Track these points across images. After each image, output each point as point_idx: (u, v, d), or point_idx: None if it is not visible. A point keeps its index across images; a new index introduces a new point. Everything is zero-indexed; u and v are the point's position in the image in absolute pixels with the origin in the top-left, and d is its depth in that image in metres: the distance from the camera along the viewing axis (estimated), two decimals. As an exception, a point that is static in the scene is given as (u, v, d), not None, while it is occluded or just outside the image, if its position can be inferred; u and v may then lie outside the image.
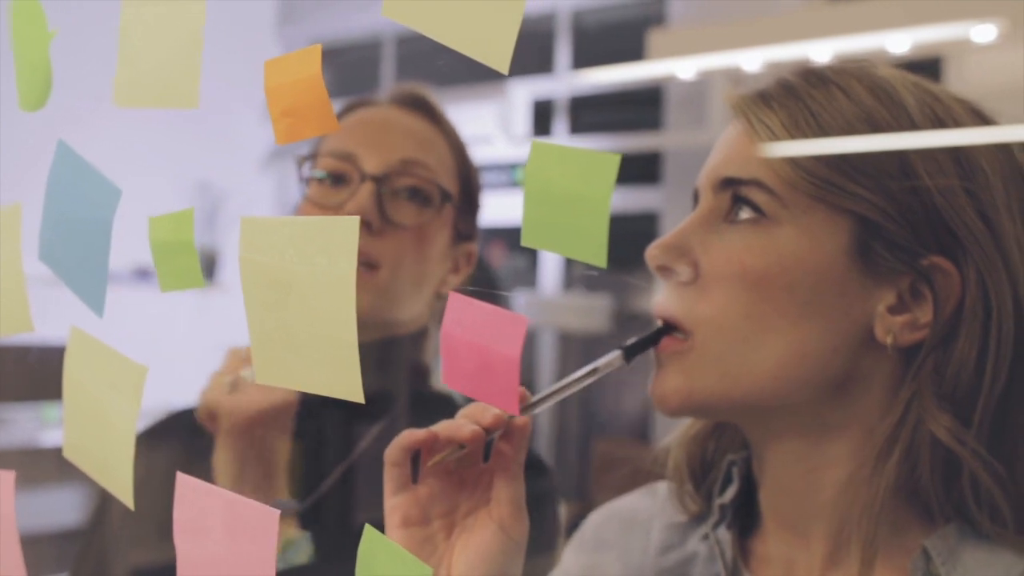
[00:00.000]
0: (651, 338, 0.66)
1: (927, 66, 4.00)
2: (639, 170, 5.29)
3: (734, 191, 0.66)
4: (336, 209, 0.91)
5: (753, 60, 2.56)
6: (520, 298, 4.91)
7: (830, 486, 0.66)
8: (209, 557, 0.49)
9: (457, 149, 0.98)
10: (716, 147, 0.71)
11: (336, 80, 6.44)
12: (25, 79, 0.64)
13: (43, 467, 4.66)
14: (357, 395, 0.45)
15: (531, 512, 0.93)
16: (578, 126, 5.50)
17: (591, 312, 4.79)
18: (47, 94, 0.65)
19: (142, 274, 4.38)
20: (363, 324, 0.89)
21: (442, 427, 0.60)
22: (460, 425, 0.59)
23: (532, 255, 5.46)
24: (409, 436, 0.60)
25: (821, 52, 2.65)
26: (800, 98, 0.66)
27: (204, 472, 0.95)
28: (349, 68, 6.45)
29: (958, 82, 3.75)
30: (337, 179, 0.93)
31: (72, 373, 0.59)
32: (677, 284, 0.67)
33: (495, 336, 0.40)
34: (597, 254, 0.37)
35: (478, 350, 0.40)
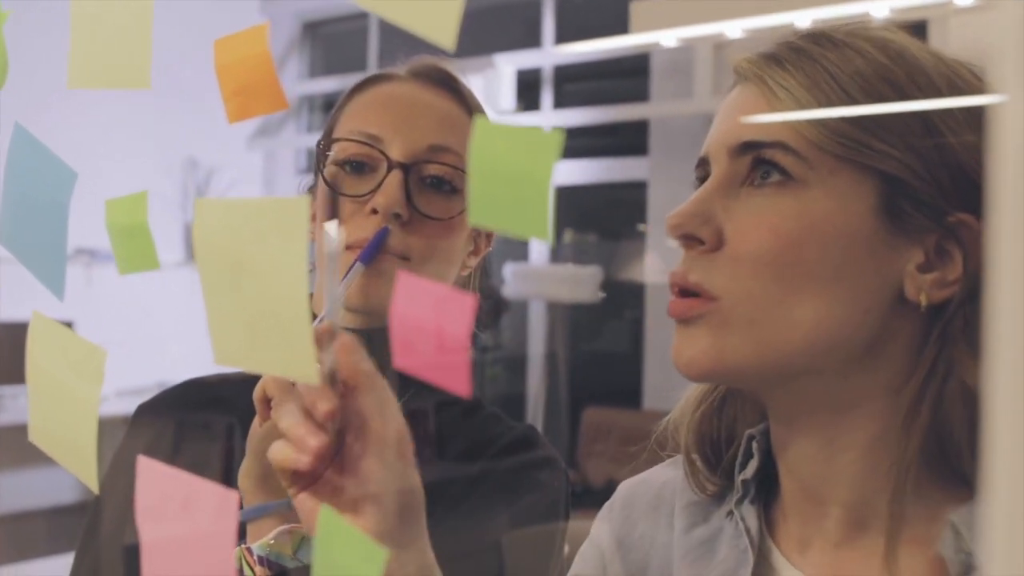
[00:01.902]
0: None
1: (912, 29, 3.99)
2: (626, 140, 5.28)
3: (755, 155, 0.65)
4: (361, 200, 0.87)
5: (736, 28, 2.55)
6: (510, 269, 4.91)
7: (853, 452, 0.66)
8: (170, 541, 0.49)
9: None
10: (723, 112, 0.69)
11: (322, 55, 6.40)
12: (-19, 61, 0.64)
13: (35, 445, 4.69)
14: (311, 377, 0.45)
15: (543, 509, 0.93)
16: (563, 98, 5.48)
17: (580, 282, 4.79)
18: (4, 74, 0.64)
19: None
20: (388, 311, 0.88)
21: (288, 433, 0.54)
22: (303, 437, 0.54)
23: (520, 227, 5.45)
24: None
25: (803, 18, 2.63)
26: (815, 60, 0.65)
27: (199, 446, 0.94)
28: (335, 42, 6.40)
29: (941, 46, 3.73)
30: (357, 166, 0.89)
31: (34, 357, 0.59)
32: (700, 252, 0.66)
33: (444, 316, 0.39)
34: (540, 229, 0.37)
35: (427, 331, 0.40)
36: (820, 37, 0.67)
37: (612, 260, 5.15)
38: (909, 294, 0.64)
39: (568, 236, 5.49)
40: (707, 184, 0.67)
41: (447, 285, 0.40)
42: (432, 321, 0.40)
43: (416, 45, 1.01)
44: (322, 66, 6.35)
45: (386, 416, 0.55)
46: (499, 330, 5.32)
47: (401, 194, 0.86)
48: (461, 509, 0.88)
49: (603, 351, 5.56)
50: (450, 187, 0.89)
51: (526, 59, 5.30)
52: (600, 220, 5.42)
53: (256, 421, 0.72)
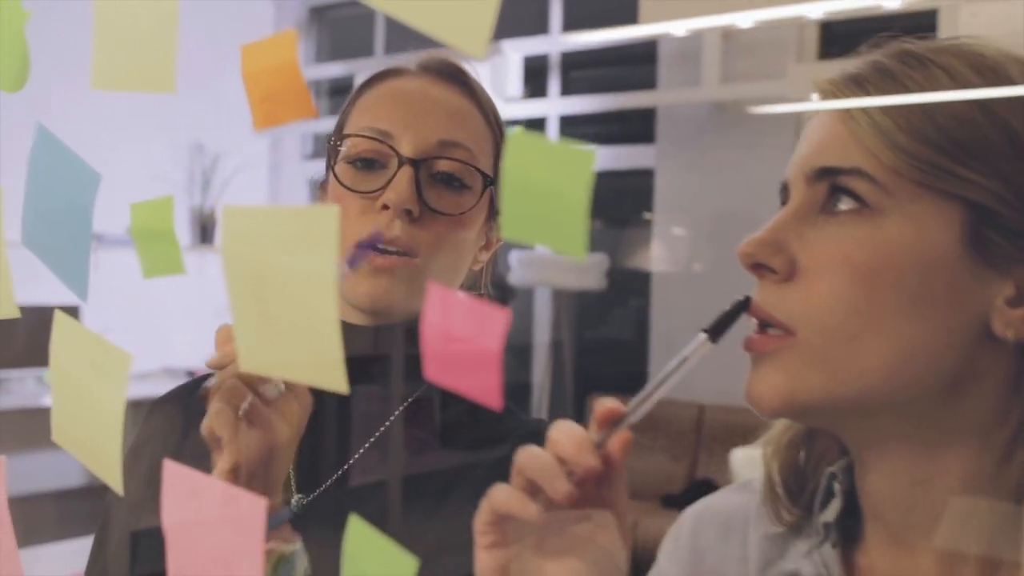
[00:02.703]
0: (732, 313, 0.63)
1: (923, 19, 3.97)
2: (633, 128, 5.26)
3: (832, 181, 0.62)
4: (371, 196, 0.86)
5: (745, 19, 2.54)
6: (515, 257, 4.91)
7: (941, 497, 0.63)
8: (199, 546, 0.49)
9: (493, 121, 0.94)
10: (805, 136, 0.67)
11: (329, 39, 6.38)
12: (2, 61, 0.63)
13: (44, 427, 4.71)
14: (341, 385, 0.45)
15: None
16: (570, 85, 5.47)
17: (585, 270, 4.79)
18: (25, 75, 0.64)
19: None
20: (397, 312, 0.88)
21: (533, 473, 0.56)
22: (551, 480, 0.56)
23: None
24: (494, 504, 0.57)
25: (814, 10, 2.62)
26: (898, 80, 0.62)
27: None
28: (342, 26, 6.38)
29: (952, 34, 3.72)
30: (368, 163, 0.88)
31: (57, 358, 0.59)
32: (773, 282, 0.63)
33: (476, 330, 0.39)
34: (575, 247, 0.37)
35: (459, 344, 0.40)
36: (906, 55, 0.64)
37: (618, 248, 5.15)
38: (997, 330, 0.60)
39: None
40: (783, 211, 0.65)
41: (479, 298, 0.40)
42: (464, 334, 0.40)
43: (417, 34, 1.01)
44: (329, 51, 6.33)
45: (626, 505, 0.59)
46: (505, 317, 5.31)
47: (412, 190, 0.85)
48: (470, 501, 0.88)
49: (609, 339, 5.56)
50: (460, 183, 0.89)
51: (533, 45, 5.28)
52: (606, 208, 5.41)
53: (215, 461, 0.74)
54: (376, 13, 6.01)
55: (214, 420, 0.73)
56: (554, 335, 5.12)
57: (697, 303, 4.89)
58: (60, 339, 0.58)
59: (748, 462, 3.75)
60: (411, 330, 0.90)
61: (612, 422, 0.58)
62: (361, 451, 0.91)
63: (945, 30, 3.81)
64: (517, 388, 5.23)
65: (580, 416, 5.06)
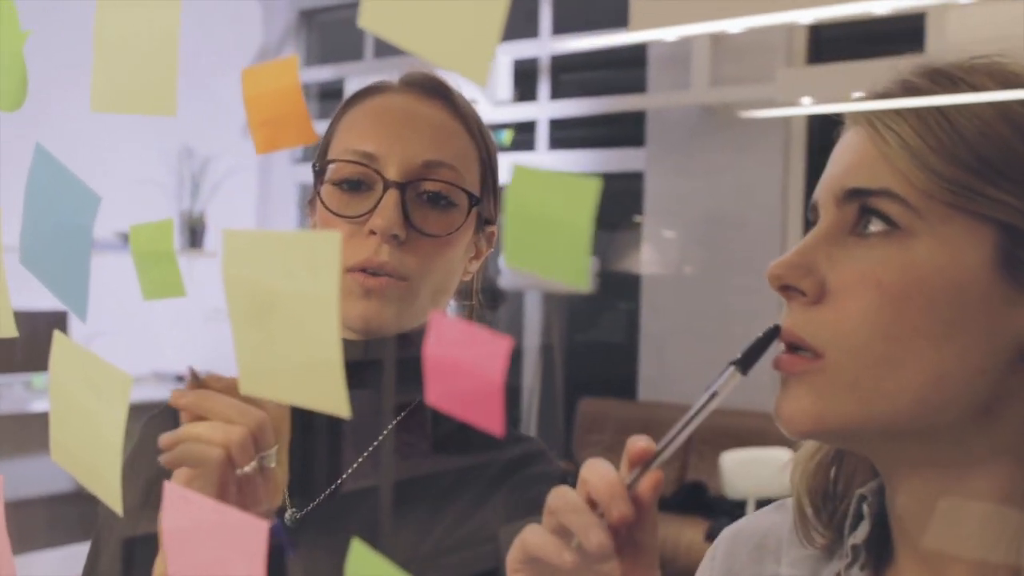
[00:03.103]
0: (761, 343, 0.63)
1: (910, 25, 3.99)
2: (622, 131, 5.27)
3: (862, 203, 0.62)
4: (358, 221, 0.86)
5: (736, 25, 2.55)
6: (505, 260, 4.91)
7: (973, 522, 0.62)
8: (200, 568, 0.49)
9: (477, 135, 0.94)
10: (834, 157, 0.66)
11: (318, 43, 6.38)
12: (1, 81, 0.64)
13: (33, 433, 4.68)
14: (343, 409, 0.45)
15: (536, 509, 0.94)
16: (560, 88, 5.47)
17: (576, 274, 4.79)
18: (23, 93, 0.64)
19: (127, 240, 4.35)
20: (389, 331, 0.87)
21: (567, 520, 0.57)
22: (585, 531, 0.56)
23: (517, 218, 5.45)
24: (528, 547, 0.58)
25: (804, 16, 2.63)
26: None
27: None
28: (331, 30, 6.37)
29: (939, 40, 3.74)
30: (354, 185, 0.88)
31: (57, 379, 0.59)
32: (802, 304, 0.62)
33: (477, 358, 0.40)
34: (578, 277, 0.38)
35: (461, 371, 0.40)
36: (936, 74, 0.63)
37: (608, 251, 5.16)
38: None
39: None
40: (812, 233, 0.64)
41: (482, 327, 0.40)
42: (466, 362, 0.41)
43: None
44: (318, 54, 6.32)
45: (655, 543, 0.60)
46: (495, 321, 5.32)
47: (398, 214, 0.85)
48: (462, 516, 0.88)
49: (598, 342, 5.57)
50: (447, 201, 0.88)
51: (523, 49, 5.29)
52: (596, 211, 5.41)
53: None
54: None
55: (214, 471, 0.69)
56: (544, 338, 5.13)
57: (687, 306, 4.90)
58: (59, 359, 0.58)
59: (738, 465, 3.76)
60: (402, 342, 0.90)
61: (644, 462, 0.59)
62: (355, 465, 0.91)
63: (932, 35, 3.83)
64: (507, 390, 5.22)
65: (570, 419, 5.07)
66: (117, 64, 0.55)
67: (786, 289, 0.63)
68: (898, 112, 0.61)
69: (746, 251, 4.74)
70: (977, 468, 0.62)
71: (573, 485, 0.93)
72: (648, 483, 0.58)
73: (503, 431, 0.40)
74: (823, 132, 4.72)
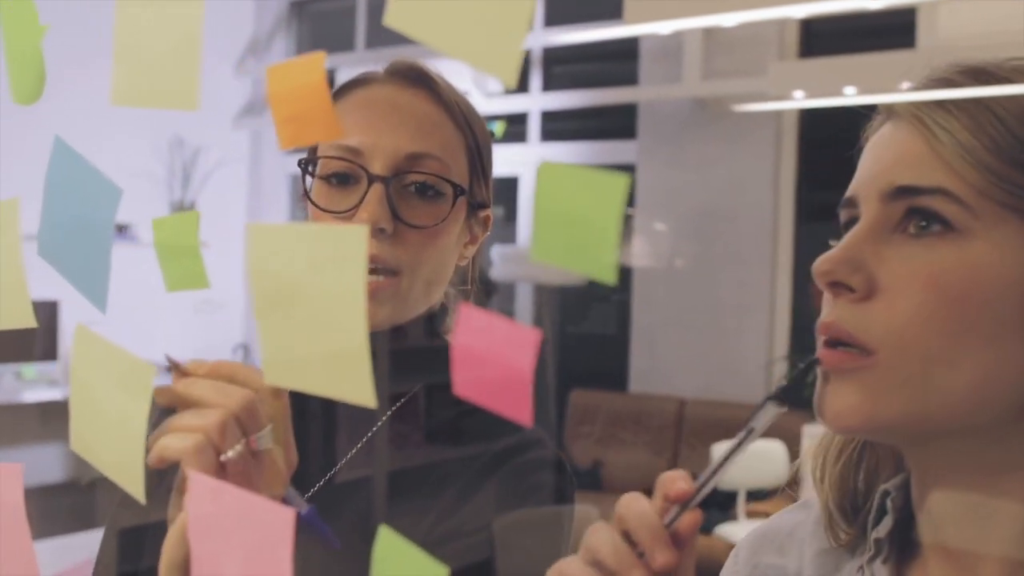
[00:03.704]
0: (801, 375, 0.63)
1: (901, 19, 4.01)
2: (614, 124, 5.28)
3: (911, 201, 0.61)
4: (346, 216, 0.87)
5: (731, 19, 2.56)
6: (497, 251, 4.92)
7: (1008, 520, 0.62)
8: (224, 557, 0.50)
9: (463, 123, 0.93)
10: (874, 152, 0.65)
11: (310, 33, 6.36)
12: (17, 73, 0.64)
13: (25, 423, 4.67)
14: (369, 399, 0.46)
15: (546, 511, 0.93)
16: (552, 81, 5.48)
17: (568, 266, 4.81)
18: (41, 87, 0.65)
19: (117, 230, 4.34)
20: (383, 327, 0.87)
21: (607, 560, 0.58)
22: (628, 571, 0.57)
23: (511, 208, 5.46)
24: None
25: (798, 11, 2.64)
26: (978, 99, 0.61)
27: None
28: (323, 20, 6.36)
29: (930, 35, 3.76)
30: (343, 179, 0.89)
31: (78, 371, 0.59)
32: (851, 300, 0.62)
33: (507, 349, 0.41)
34: (606, 271, 0.38)
35: (490, 363, 0.41)
36: (981, 73, 0.63)
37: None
38: None
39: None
40: (857, 229, 0.63)
41: (510, 319, 0.41)
42: (495, 352, 0.42)
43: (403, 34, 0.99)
44: (309, 45, 6.31)
45: None
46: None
47: (384, 208, 0.86)
48: (461, 500, 0.89)
49: (590, 334, 5.59)
50: (434, 191, 0.89)
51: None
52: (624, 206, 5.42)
53: (174, 504, 0.67)
54: (357, 7, 5.99)
55: (192, 459, 0.63)
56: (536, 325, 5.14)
57: (678, 298, 4.92)
58: (82, 352, 0.59)
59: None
60: (395, 333, 0.91)
61: (683, 502, 0.59)
62: (350, 454, 0.92)
63: (923, 30, 3.85)
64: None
65: (561, 411, 5.09)
66: (139, 57, 0.55)
67: (834, 285, 0.63)
68: (947, 110, 0.61)
69: (737, 244, 4.76)
70: (1015, 469, 0.62)
71: (568, 472, 0.94)
72: (688, 523, 0.58)
73: (531, 421, 0.41)
74: (814, 126, 4.74)
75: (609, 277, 0.38)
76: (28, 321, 0.65)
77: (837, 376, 0.62)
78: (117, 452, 0.57)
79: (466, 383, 0.43)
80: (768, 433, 0.61)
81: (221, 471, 0.64)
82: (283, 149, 0.50)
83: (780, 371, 4.64)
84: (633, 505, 0.59)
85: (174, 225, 0.53)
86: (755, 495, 4.13)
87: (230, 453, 0.64)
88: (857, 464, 0.72)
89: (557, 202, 0.40)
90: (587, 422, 5.06)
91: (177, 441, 0.64)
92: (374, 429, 0.92)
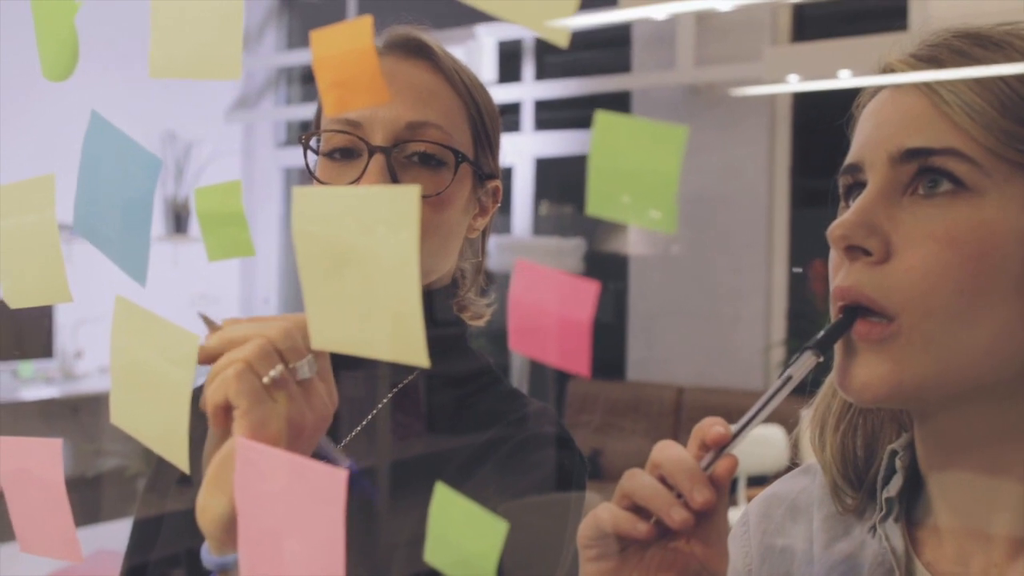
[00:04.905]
0: (841, 325, 0.63)
1: (893, 3, 4.02)
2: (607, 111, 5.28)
3: (922, 162, 0.62)
4: None
5: (724, 3, 2.57)
6: (493, 241, 4.92)
7: (1021, 483, 0.63)
8: (275, 521, 0.50)
9: (464, 92, 0.93)
10: (878, 116, 0.66)
11: (300, 25, 6.33)
12: (49, 48, 0.64)
13: (25, 420, 4.65)
14: (422, 360, 0.46)
15: (555, 489, 0.92)
16: (545, 69, 5.47)
17: (563, 254, 4.82)
18: (74, 64, 0.65)
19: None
20: None
21: (645, 501, 0.58)
22: (667, 510, 0.58)
23: (505, 198, 5.45)
24: (602, 523, 0.59)
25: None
26: (980, 62, 0.62)
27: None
28: (313, 12, 6.34)
29: (923, 18, 3.77)
30: (345, 153, 0.88)
31: (119, 343, 0.60)
32: (867, 264, 0.63)
33: (565, 301, 0.41)
34: (667, 222, 0.39)
35: (548, 315, 0.42)
36: (979, 38, 0.64)
37: (595, 231, 5.18)
38: None
39: (543, 208, 5.50)
40: (867, 193, 0.64)
41: (565, 272, 0.42)
42: (553, 307, 0.42)
43: (396, 18, 0.98)
44: (300, 37, 6.29)
45: (726, 521, 0.60)
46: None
47: (384, 178, 0.85)
48: (469, 479, 0.89)
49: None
50: (436, 160, 0.88)
51: (508, 30, 5.28)
52: (583, 192, 5.42)
53: (211, 441, 0.65)
54: (347, 2, 5.97)
55: (234, 385, 0.61)
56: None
57: (674, 285, 4.93)
58: (122, 324, 0.59)
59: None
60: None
61: (719, 446, 0.60)
62: (352, 435, 0.91)
63: (916, 13, 3.85)
64: (498, 371, 5.24)
65: (560, 400, 5.09)
66: (179, 30, 0.55)
67: (851, 249, 0.63)
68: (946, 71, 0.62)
69: (732, 230, 4.77)
70: None
71: (576, 449, 0.93)
72: (724, 467, 0.59)
73: (589, 372, 0.41)
74: (808, 112, 4.75)
75: (670, 228, 0.39)
76: (64, 297, 0.65)
77: (862, 347, 0.63)
78: (161, 423, 0.57)
79: (521, 338, 0.43)
80: (767, 418, 0.62)
81: (267, 396, 0.62)
82: (329, 115, 0.50)
83: (777, 357, 4.65)
84: (668, 450, 0.60)
85: (217, 194, 0.54)
86: (756, 481, 4.15)
87: (272, 373, 0.63)
88: (856, 431, 0.73)
89: (614, 154, 0.40)
90: (586, 411, 5.07)
91: (221, 377, 0.62)
92: (374, 412, 0.91)
